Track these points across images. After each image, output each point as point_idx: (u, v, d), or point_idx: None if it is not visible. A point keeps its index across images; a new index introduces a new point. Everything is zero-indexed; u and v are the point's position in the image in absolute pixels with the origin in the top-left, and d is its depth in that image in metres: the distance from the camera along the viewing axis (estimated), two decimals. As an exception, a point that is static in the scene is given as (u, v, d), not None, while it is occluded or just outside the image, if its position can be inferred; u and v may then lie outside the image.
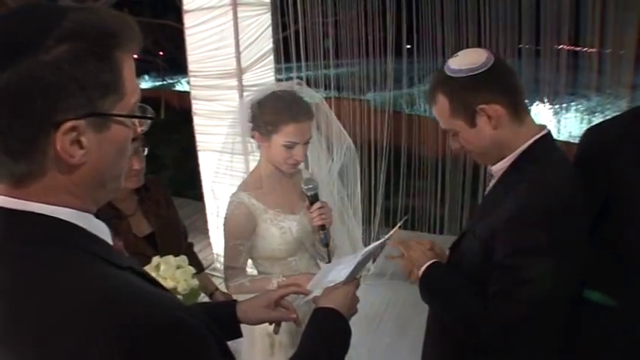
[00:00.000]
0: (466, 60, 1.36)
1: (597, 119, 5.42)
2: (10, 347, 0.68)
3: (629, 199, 1.50)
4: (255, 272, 2.04)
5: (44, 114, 0.68)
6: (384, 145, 4.66)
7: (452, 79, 1.36)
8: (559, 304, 1.34)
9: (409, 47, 4.68)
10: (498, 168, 1.45)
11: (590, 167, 1.48)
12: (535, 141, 1.39)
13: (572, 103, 6.17)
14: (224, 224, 1.91)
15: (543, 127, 1.43)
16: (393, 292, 3.91)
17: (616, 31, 4.08)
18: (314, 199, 1.89)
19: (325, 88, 4.63)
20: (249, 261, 1.99)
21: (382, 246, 1.38)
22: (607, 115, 4.93)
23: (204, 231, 4.48)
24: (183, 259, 1.70)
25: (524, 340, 1.34)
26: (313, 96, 1.92)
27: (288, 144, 1.79)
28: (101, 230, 0.79)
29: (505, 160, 1.42)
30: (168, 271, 1.64)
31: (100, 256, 0.74)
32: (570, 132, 5.90)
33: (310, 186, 1.89)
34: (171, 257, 1.69)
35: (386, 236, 1.39)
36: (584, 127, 4.79)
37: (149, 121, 0.82)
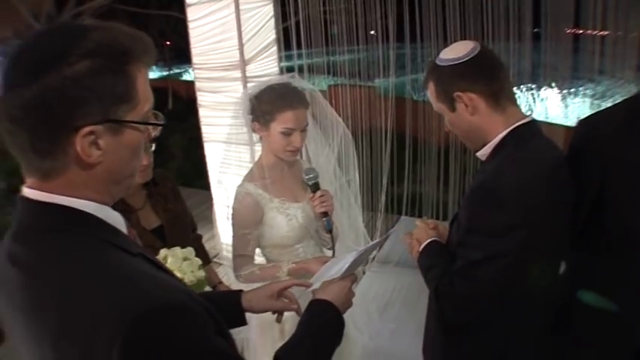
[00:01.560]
0: (452, 52, 1.48)
1: (606, 103, 5.37)
2: (35, 319, 0.80)
3: (623, 190, 1.52)
4: (263, 261, 2.08)
5: (66, 120, 0.79)
6: (389, 131, 4.67)
7: (438, 68, 1.50)
8: (520, 284, 1.39)
9: (412, 33, 4.64)
10: (482, 154, 1.53)
11: (584, 158, 1.51)
12: (514, 128, 1.46)
13: (581, 88, 6.11)
14: (232, 215, 1.97)
15: (527, 116, 1.50)
16: (398, 278, 3.95)
17: (621, 14, 4.03)
18: (315, 187, 1.97)
19: (329, 75, 4.66)
20: (257, 250, 2.04)
21: (380, 245, 1.43)
22: (616, 100, 4.91)
23: (212, 220, 4.38)
24: (190, 251, 1.74)
25: (497, 318, 1.43)
26: (307, 87, 1.99)
27: (286, 130, 1.88)
28: (117, 220, 0.91)
29: (487, 146, 1.50)
30: (175, 263, 1.68)
31: (113, 243, 0.85)
32: (578, 116, 5.85)
33: (311, 175, 1.97)
34: (178, 249, 1.72)
35: (383, 236, 1.47)
36: (593, 111, 4.83)
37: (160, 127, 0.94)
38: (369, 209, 4.62)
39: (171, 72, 16.92)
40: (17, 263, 0.84)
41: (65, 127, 0.79)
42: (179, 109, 9.94)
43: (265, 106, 1.89)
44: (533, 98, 5.72)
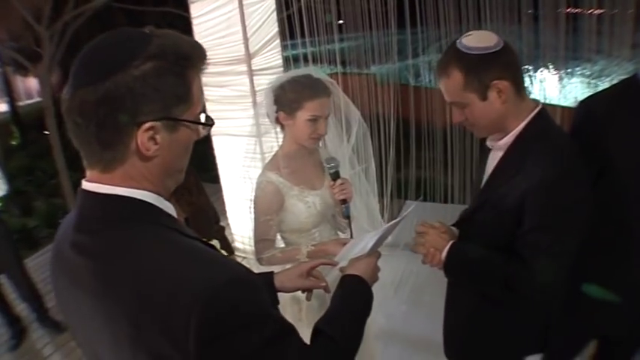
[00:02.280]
0: (480, 41, 1.48)
1: (604, 83, 5.37)
2: (110, 301, 0.87)
3: (623, 170, 1.58)
4: (281, 244, 2.17)
5: (131, 114, 0.87)
6: (392, 117, 4.71)
7: (467, 55, 1.47)
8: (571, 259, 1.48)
9: (411, 18, 4.62)
10: (504, 142, 1.56)
11: (585, 139, 1.55)
12: (534, 116, 1.52)
13: (577, 68, 6.09)
14: (254, 202, 2.05)
15: (538, 102, 1.56)
16: (407, 262, 4.00)
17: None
18: (336, 176, 2.04)
19: (329, 64, 4.66)
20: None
21: (398, 223, 1.50)
22: (613, 79, 4.88)
23: (221, 212, 4.41)
24: (215, 244, 1.78)
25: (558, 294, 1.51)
26: (324, 78, 2.04)
27: (313, 118, 1.94)
28: (171, 209, 0.98)
29: (510, 134, 1.54)
30: None
31: (175, 228, 0.93)
32: (576, 97, 5.83)
33: (332, 165, 2.04)
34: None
35: (402, 215, 1.50)
36: (591, 91, 4.81)
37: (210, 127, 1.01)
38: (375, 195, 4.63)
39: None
40: (84, 252, 0.91)
41: (130, 121, 0.87)
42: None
43: (292, 94, 1.95)
44: (531, 80, 5.71)
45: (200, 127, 0.98)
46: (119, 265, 0.87)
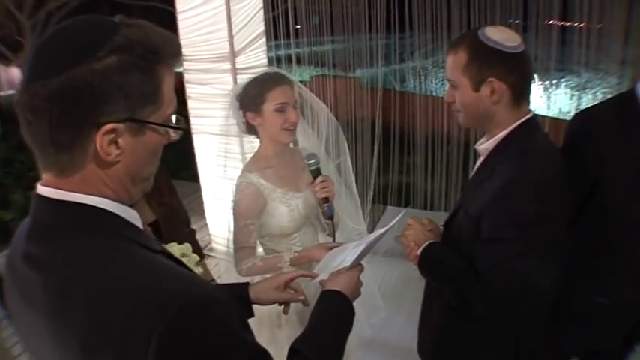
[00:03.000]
0: (502, 36, 1.44)
1: (587, 95, 5.37)
2: (61, 320, 0.77)
3: (617, 183, 1.57)
4: (260, 251, 2.08)
5: (89, 114, 0.77)
6: (376, 122, 4.66)
7: (481, 43, 1.44)
8: (549, 276, 1.40)
9: (399, 23, 4.61)
10: (485, 147, 1.53)
11: (579, 151, 1.54)
12: (521, 123, 1.47)
13: (562, 80, 6.11)
14: (234, 206, 1.95)
15: (529, 110, 1.52)
16: (387, 268, 3.97)
17: (605, 6, 4.05)
18: (317, 173, 1.97)
19: (315, 65, 4.58)
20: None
21: (384, 234, 1.45)
22: (597, 92, 5.00)
23: (199, 212, 4.51)
24: (187, 247, 1.72)
25: (520, 310, 1.41)
26: (289, 77, 2.00)
27: (279, 106, 1.88)
28: (135, 218, 0.88)
29: (492, 140, 1.51)
30: None
31: (137, 241, 0.83)
32: (560, 108, 5.85)
33: (312, 161, 1.96)
34: (175, 245, 1.70)
35: (389, 225, 1.45)
36: (574, 103, 4.89)
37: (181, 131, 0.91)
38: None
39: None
40: (35, 264, 0.81)
41: (87, 122, 0.77)
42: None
43: (253, 90, 1.90)
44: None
45: (171, 130, 0.87)
46: (72, 280, 0.77)
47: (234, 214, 1.96)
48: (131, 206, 0.88)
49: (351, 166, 2.37)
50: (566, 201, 1.42)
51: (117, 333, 0.73)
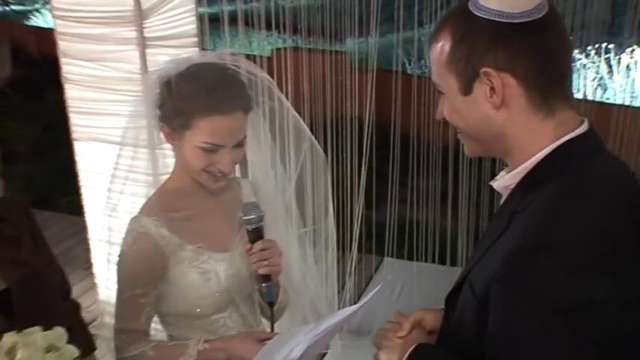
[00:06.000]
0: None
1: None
2: None
3: None
4: (163, 336, 1.70)
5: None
6: (369, 122, 3.50)
7: (471, 17, 1.01)
8: None
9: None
10: (503, 184, 1.16)
11: None
12: (564, 144, 1.03)
13: None
14: (118, 265, 1.59)
15: (582, 121, 1.06)
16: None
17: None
18: (256, 236, 1.56)
19: (274, 31, 3.48)
20: (156, 318, 1.65)
21: (354, 313, 1.32)
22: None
23: (84, 264, 3.51)
24: (59, 335, 1.27)
25: None
26: (255, 72, 1.59)
27: (207, 146, 1.45)
28: None
29: (514, 172, 1.11)
30: (33, 358, 1.24)
31: None
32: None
33: (252, 217, 1.54)
34: (37, 332, 1.28)
35: (361, 302, 1.30)
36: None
37: None
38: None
39: (7, 9, 9.98)
40: None
41: None
42: (26, 77, 7.03)
43: (179, 102, 1.44)
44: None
45: None
46: None
47: (118, 277, 1.58)
48: None
49: (333, 227, 1.99)
50: (634, 253, 1.03)
51: None
